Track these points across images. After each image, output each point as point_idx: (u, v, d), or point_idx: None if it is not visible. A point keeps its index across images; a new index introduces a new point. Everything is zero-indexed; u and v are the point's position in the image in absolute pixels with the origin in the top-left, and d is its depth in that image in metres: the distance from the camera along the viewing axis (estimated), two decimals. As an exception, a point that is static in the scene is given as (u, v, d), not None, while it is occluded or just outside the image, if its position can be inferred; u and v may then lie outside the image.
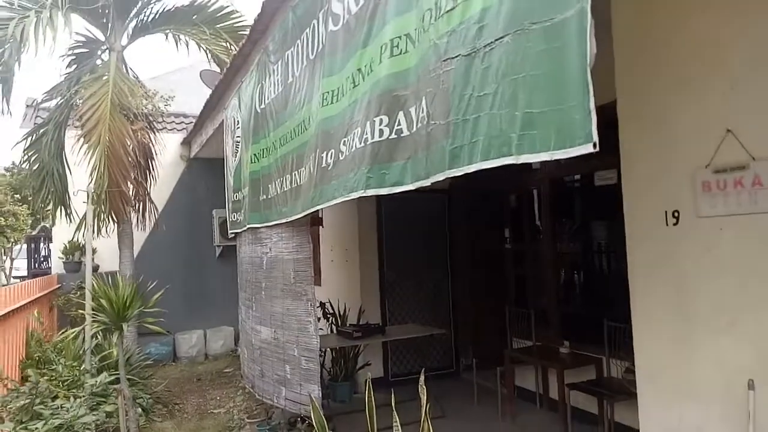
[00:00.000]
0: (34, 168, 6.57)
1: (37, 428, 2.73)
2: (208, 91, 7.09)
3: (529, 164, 5.58)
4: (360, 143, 2.57)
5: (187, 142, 9.55)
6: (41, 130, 6.66)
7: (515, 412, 5.18)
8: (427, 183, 2.08)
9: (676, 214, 2.66)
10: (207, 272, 9.32)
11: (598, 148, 1.37)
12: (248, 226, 5.25)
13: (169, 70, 11.51)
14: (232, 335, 9.17)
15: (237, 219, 5.89)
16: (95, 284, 4.61)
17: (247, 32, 6.97)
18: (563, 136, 1.46)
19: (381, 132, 2.40)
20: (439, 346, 6.71)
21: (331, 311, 6.41)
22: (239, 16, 7.11)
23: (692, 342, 2.60)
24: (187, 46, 7.93)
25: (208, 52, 7.69)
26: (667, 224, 2.69)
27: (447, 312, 6.86)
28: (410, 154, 2.22)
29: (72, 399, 3.17)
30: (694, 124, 2.55)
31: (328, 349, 5.90)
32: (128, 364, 5.87)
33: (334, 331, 6.09)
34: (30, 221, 18.72)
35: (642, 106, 2.80)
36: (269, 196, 4.59)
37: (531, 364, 5.38)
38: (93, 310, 4.93)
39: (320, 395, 3.97)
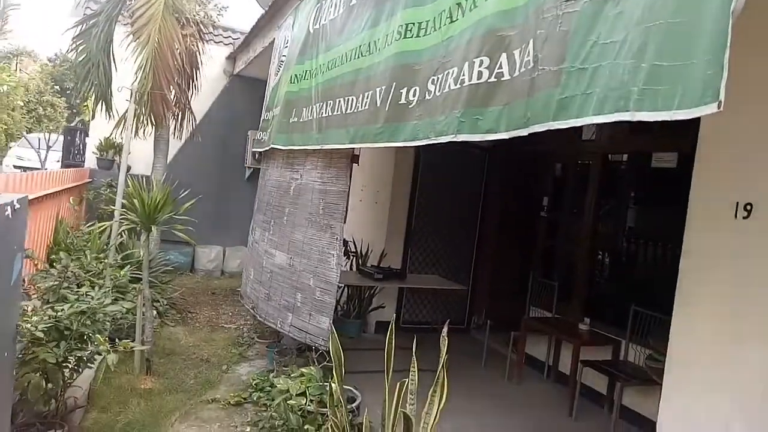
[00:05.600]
0: (81, 58, 6.49)
1: (63, 310, 2.76)
2: (257, 8, 6.87)
3: (581, 134, 5.41)
4: (455, 85, 2.41)
5: (232, 58, 9.38)
6: (91, 21, 6.53)
7: (522, 378, 5.18)
8: (524, 133, 1.93)
9: (748, 207, 2.48)
10: (234, 191, 9.33)
11: (722, 108, 1.23)
12: (271, 146, 5.16)
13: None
14: (249, 256, 9.29)
15: (262, 138, 5.79)
16: (130, 183, 4.60)
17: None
18: (689, 95, 1.32)
19: (480, 74, 2.24)
20: (454, 302, 6.69)
21: (354, 250, 6.39)
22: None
23: (739, 341, 2.48)
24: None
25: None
26: (735, 216, 2.52)
27: (468, 269, 6.81)
28: (508, 100, 2.06)
29: (96, 288, 3.20)
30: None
31: (345, 286, 5.93)
32: (149, 266, 5.97)
33: (354, 269, 6.09)
34: (66, 114, 18.96)
35: (736, 83, 2.57)
36: (301, 120, 4.46)
37: (546, 335, 5.33)
38: (123, 207, 4.96)
39: (331, 327, 3.97)
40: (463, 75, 2.37)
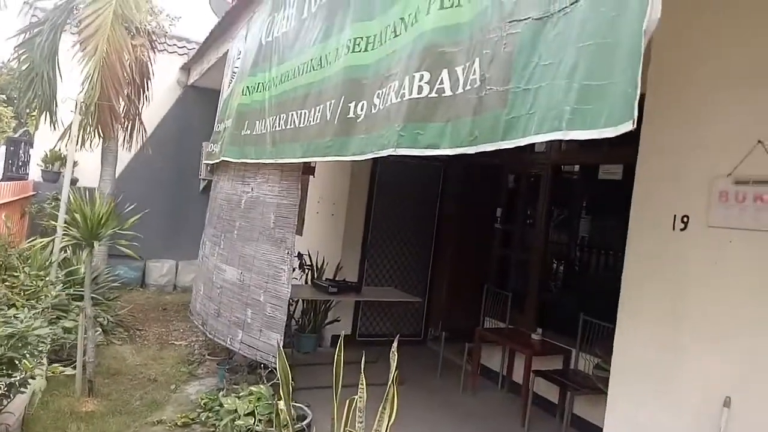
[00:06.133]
0: (24, 68, 6.23)
1: (-13, 334, 2.60)
2: (213, 19, 6.77)
3: (533, 146, 5.52)
4: (396, 98, 2.38)
5: (186, 68, 9.20)
6: (36, 30, 6.28)
7: (477, 388, 5.20)
8: (472, 151, 1.90)
9: (685, 220, 2.56)
10: (187, 204, 9.11)
11: (635, 125, 1.26)
12: (222, 159, 5.08)
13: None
14: (204, 271, 9.06)
15: (213, 150, 5.70)
16: (72, 197, 4.42)
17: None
18: (615, 113, 1.33)
19: (420, 88, 2.21)
20: (410, 314, 6.69)
21: (309, 263, 6.31)
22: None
23: (678, 348, 2.55)
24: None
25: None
26: (674, 228, 2.60)
27: (424, 281, 6.82)
28: (451, 116, 2.03)
29: (28, 309, 3.03)
30: (725, 129, 2.43)
31: (301, 300, 5.83)
32: (95, 283, 5.71)
33: (309, 283, 6.01)
34: (13, 124, 18.19)
35: (672, 101, 2.66)
36: (254, 133, 4.40)
37: (500, 345, 5.36)
38: (66, 223, 4.75)
39: (280, 344, 3.88)
40: (404, 89, 2.35)
